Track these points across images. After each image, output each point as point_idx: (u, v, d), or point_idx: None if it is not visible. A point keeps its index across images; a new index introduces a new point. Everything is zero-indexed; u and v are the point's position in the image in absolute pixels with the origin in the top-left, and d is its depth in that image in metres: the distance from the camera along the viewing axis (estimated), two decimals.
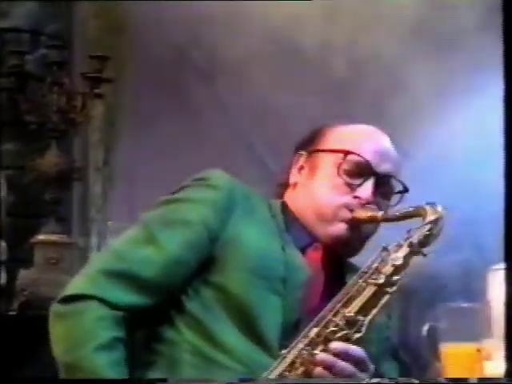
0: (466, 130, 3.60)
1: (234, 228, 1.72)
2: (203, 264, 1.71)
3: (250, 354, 1.61)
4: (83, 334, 1.63)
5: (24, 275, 3.36)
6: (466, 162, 3.55)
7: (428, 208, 1.68)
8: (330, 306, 1.63)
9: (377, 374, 1.81)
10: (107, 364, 1.61)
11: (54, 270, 3.33)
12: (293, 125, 3.59)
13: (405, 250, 1.66)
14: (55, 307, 1.69)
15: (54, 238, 3.47)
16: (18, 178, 3.68)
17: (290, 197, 1.84)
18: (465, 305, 1.92)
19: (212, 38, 4.12)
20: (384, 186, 1.79)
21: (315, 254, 1.77)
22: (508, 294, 1.57)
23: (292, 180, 1.85)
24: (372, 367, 1.64)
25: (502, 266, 1.92)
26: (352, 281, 1.66)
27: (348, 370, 1.59)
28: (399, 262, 1.65)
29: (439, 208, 1.68)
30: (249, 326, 1.66)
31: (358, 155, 1.78)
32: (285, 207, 1.82)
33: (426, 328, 1.98)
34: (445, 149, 3.62)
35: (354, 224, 1.75)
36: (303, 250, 1.77)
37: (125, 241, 1.74)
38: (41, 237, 3.46)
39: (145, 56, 4.05)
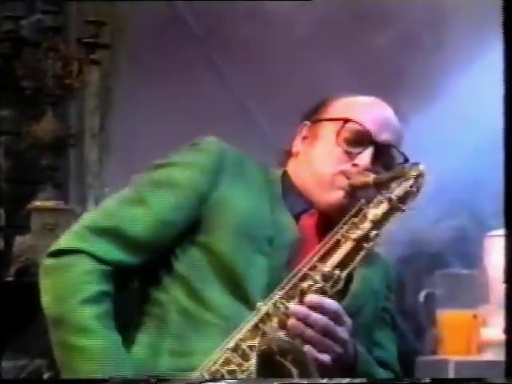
0: (464, 96, 3.58)
1: (222, 190, 1.74)
2: (191, 225, 1.73)
3: (236, 312, 1.63)
4: (70, 288, 1.66)
5: (20, 241, 3.36)
6: (464, 129, 3.54)
7: (410, 166, 1.70)
8: (307, 259, 1.64)
9: (369, 343, 1.82)
10: (93, 316, 1.63)
11: (51, 237, 3.32)
12: (296, 94, 3.59)
13: (384, 206, 1.67)
14: (44, 261, 1.72)
15: (50, 204, 3.47)
16: (14, 144, 3.67)
17: (291, 165, 1.87)
18: (461, 271, 1.93)
19: (211, 6, 4.09)
20: (384, 155, 1.80)
21: (310, 220, 1.79)
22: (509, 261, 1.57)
23: (294, 149, 1.87)
24: (349, 321, 1.64)
25: (499, 232, 1.92)
26: (330, 235, 1.67)
27: (321, 322, 1.59)
28: (378, 217, 1.66)
29: (421, 166, 1.69)
30: (235, 284, 1.68)
31: (357, 123, 1.79)
32: (285, 175, 1.85)
33: (422, 295, 1.99)
34: (442, 114, 3.61)
35: (351, 191, 1.76)
36: (299, 216, 1.78)
37: (114, 201, 1.78)
38: (37, 203, 3.46)
39: (142, 22, 4.03)
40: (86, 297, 1.64)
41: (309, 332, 1.58)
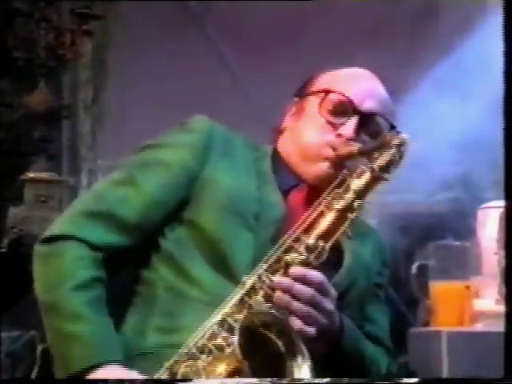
0: (461, 65, 3.57)
1: (210, 169, 1.75)
2: (180, 204, 1.73)
3: (221, 288, 1.63)
4: (62, 274, 1.66)
5: (14, 213, 3.36)
6: (461, 101, 3.53)
7: (392, 135, 1.69)
8: (291, 232, 1.64)
9: (361, 318, 1.82)
10: (85, 302, 1.63)
11: (44, 208, 3.33)
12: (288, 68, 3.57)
13: (367, 176, 1.67)
14: (37, 247, 1.72)
15: (44, 175, 3.46)
16: (7, 115, 3.66)
17: (280, 142, 1.87)
18: (454, 243, 1.93)
19: None
20: (370, 124, 1.80)
21: (299, 195, 1.78)
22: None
23: (283, 125, 1.87)
24: (334, 293, 1.64)
25: (493, 204, 1.92)
26: (313, 206, 1.67)
27: (306, 293, 1.59)
28: (360, 187, 1.66)
29: (403, 134, 1.69)
30: (221, 261, 1.68)
31: (339, 93, 1.79)
32: (275, 152, 1.85)
33: (415, 266, 1.99)
34: (438, 85, 3.60)
35: (337, 162, 1.75)
36: (288, 191, 1.78)
37: (104, 183, 1.78)
38: (31, 174, 3.45)
39: None
40: (77, 283, 1.64)
41: (294, 304, 1.58)
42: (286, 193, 1.79)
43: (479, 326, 1.82)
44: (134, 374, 1.58)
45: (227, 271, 1.66)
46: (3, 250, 3.25)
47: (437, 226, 3.43)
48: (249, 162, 1.80)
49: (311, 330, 1.59)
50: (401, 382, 1.62)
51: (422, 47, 3.69)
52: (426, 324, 1.99)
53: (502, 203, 1.87)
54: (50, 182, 3.45)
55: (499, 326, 1.70)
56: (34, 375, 2.43)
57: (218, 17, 4.11)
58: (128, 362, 1.61)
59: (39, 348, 2.47)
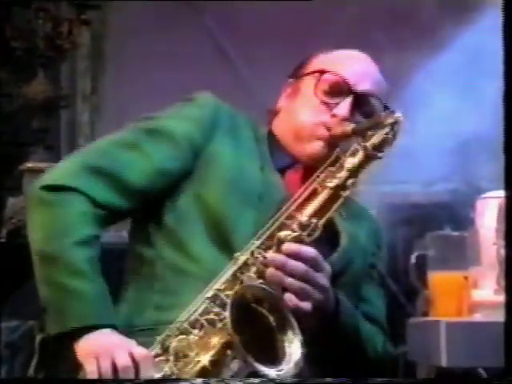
0: (460, 55, 3.57)
1: (215, 145, 1.76)
2: (184, 177, 1.72)
3: (220, 265, 1.64)
4: (65, 226, 1.65)
5: (13, 203, 3.35)
6: (458, 91, 3.53)
7: (386, 114, 1.69)
8: (284, 209, 1.64)
9: (356, 298, 1.82)
10: (85, 259, 1.63)
11: None
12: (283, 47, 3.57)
13: (360, 155, 1.67)
14: (38, 193, 1.70)
15: (42, 165, 3.45)
16: (6, 105, 3.65)
17: (275, 122, 1.88)
18: (453, 233, 1.93)
19: None
20: (364, 105, 1.81)
21: (294, 175, 1.80)
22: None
23: (278, 106, 1.88)
24: (328, 268, 1.65)
25: (492, 194, 1.92)
26: (307, 184, 1.67)
27: (299, 269, 1.60)
28: (354, 165, 1.66)
29: (397, 113, 1.69)
30: (222, 236, 1.69)
31: (334, 74, 1.80)
32: (270, 132, 1.86)
33: (414, 256, 1.99)
34: (436, 74, 3.60)
35: (331, 141, 1.76)
36: (284, 172, 1.79)
37: (108, 141, 1.77)
38: (29, 164, 3.45)
39: None
40: (80, 238, 1.64)
41: (288, 280, 1.59)
42: (281, 173, 1.80)
43: (478, 316, 1.81)
44: (133, 344, 1.58)
45: (227, 248, 1.67)
46: (2, 241, 3.25)
47: (435, 217, 3.43)
48: (251, 141, 1.81)
49: (307, 305, 1.60)
50: (401, 380, 1.62)
51: (422, 38, 3.68)
52: (425, 314, 1.98)
53: (501, 193, 1.87)
54: None
55: (498, 316, 1.70)
56: (32, 365, 2.43)
57: (217, 6, 4.10)
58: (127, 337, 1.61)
59: (38, 338, 2.46)
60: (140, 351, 1.55)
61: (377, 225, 1.95)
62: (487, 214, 1.89)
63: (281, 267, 1.60)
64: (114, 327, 1.61)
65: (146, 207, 1.75)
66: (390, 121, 1.68)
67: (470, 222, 1.97)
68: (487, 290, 1.84)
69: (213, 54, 4.12)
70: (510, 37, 1.58)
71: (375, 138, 1.67)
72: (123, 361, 1.53)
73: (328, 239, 1.74)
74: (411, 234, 3.38)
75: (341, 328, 1.69)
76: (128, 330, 1.64)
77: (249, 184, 1.73)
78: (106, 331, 1.59)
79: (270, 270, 1.60)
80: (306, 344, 1.57)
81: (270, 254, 1.61)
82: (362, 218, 1.88)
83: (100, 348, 1.55)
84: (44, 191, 1.69)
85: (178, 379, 1.54)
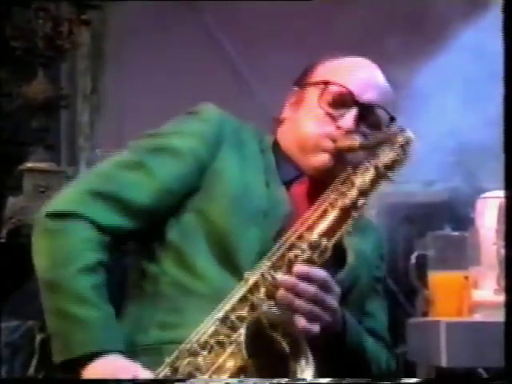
0: (462, 55, 3.57)
1: (220, 160, 1.73)
2: (189, 194, 1.71)
3: (225, 283, 1.62)
4: (69, 254, 1.64)
5: (12, 203, 3.35)
6: (461, 91, 3.53)
7: (397, 132, 1.68)
8: (294, 229, 1.63)
9: (361, 313, 1.81)
10: (90, 286, 1.61)
11: (43, 198, 3.32)
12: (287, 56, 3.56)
13: (371, 174, 1.66)
14: (42, 221, 1.69)
15: (42, 165, 3.45)
16: (6, 105, 3.65)
17: (280, 132, 1.86)
18: (453, 233, 1.92)
19: None
20: (370, 115, 1.78)
21: (300, 188, 1.78)
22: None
23: (283, 115, 1.86)
24: (338, 289, 1.63)
25: (492, 194, 1.92)
26: (317, 203, 1.66)
27: (310, 291, 1.58)
28: (365, 185, 1.65)
29: (408, 133, 1.68)
30: (226, 254, 1.67)
31: (338, 85, 1.78)
32: (275, 143, 1.84)
33: (414, 256, 1.99)
34: (438, 75, 3.59)
35: (337, 154, 1.74)
36: (290, 184, 1.77)
37: (111, 164, 1.75)
38: (29, 164, 3.45)
39: None
40: (85, 265, 1.62)
41: (298, 302, 1.57)
42: (287, 185, 1.78)
43: (478, 317, 1.81)
44: (135, 366, 1.57)
45: (232, 266, 1.65)
46: (2, 241, 3.24)
47: (435, 216, 3.43)
48: (256, 154, 1.79)
49: (315, 328, 1.58)
50: (402, 381, 1.62)
51: (422, 38, 3.68)
52: (425, 314, 1.98)
53: (501, 193, 1.87)
54: (48, 172, 3.44)
55: (498, 317, 1.70)
56: (32, 365, 2.43)
57: (217, 6, 4.09)
58: (130, 356, 1.60)
59: (38, 338, 2.46)
60: (144, 375, 1.54)
61: (379, 235, 1.93)
62: (487, 213, 1.88)
63: (291, 289, 1.58)
64: (120, 352, 1.59)
65: (152, 225, 1.73)
66: (401, 140, 1.66)
67: (470, 222, 1.97)
68: (487, 290, 1.84)
69: (212, 53, 4.12)
70: (510, 37, 1.57)
71: (387, 159, 1.66)
72: None
73: (334, 256, 1.73)
74: (411, 233, 3.38)
75: (347, 347, 1.68)
76: (131, 349, 1.63)
77: (254, 201, 1.70)
78: (112, 357, 1.57)
79: (281, 292, 1.58)
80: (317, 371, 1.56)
81: (281, 276, 1.59)
82: (366, 231, 1.87)
83: (105, 375, 1.54)
84: (48, 219, 1.68)
85: (179, 379, 1.53)
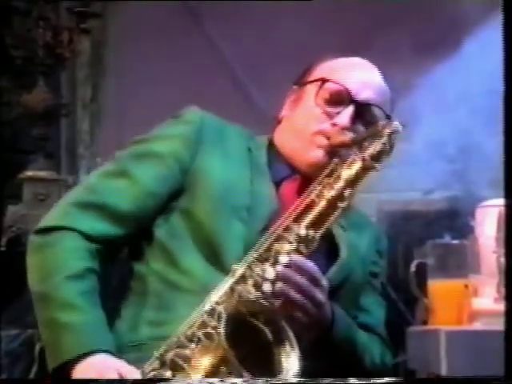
0: (460, 62, 3.57)
1: (202, 159, 1.76)
2: (174, 195, 1.73)
3: (212, 279, 1.65)
4: (56, 264, 1.68)
5: (12, 211, 3.36)
6: (457, 99, 3.53)
7: (384, 124, 1.69)
8: (281, 221, 1.64)
9: (355, 308, 1.82)
10: (78, 293, 1.64)
11: (43, 207, 3.32)
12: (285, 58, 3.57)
13: (357, 165, 1.67)
14: (31, 238, 1.74)
15: (42, 174, 3.46)
16: (6, 113, 3.66)
17: (277, 131, 1.87)
18: (453, 241, 1.93)
19: None
20: (366, 114, 1.80)
21: (291, 185, 1.79)
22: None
23: (281, 114, 1.87)
24: (325, 284, 1.64)
25: (492, 202, 1.92)
26: (304, 195, 1.67)
27: (303, 284, 1.61)
28: (351, 176, 1.66)
29: (395, 123, 1.69)
30: (212, 251, 1.69)
31: (335, 82, 1.79)
32: (271, 142, 1.85)
33: (414, 265, 1.99)
34: (433, 83, 3.60)
35: (331, 150, 1.75)
36: (281, 182, 1.79)
37: (96, 175, 1.80)
38: (29, 173, 3.46)
39: None
40: (71, 273, 1.66)
41: (293, 294, 1.59)
42: (278, 184, 1.79)
43: (478, 325, 1.81)
44: (123, 364, 1.58)
45: (218, 262, 1.67)
46: (1, 249, 3.24)
47: (435, 225, 3.43)
48: (242, 152, 1.81)
49: (303, 319, 1.59)
50: (374, 381, 1.63)
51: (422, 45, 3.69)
52: (425, 323, 1.98)
53: (500, 201, 1.87)
54: (48, 181, 3.45)
55: (498, 325, 1.70)
56: (32, 374, 2.43)
57: (217, 13, 4.10)
58: (121, 354, 1.63)
59: (38, 346, 2.46)
60: (131, 371, 1.55)
61: (378, 232, 1.94)
62: (487, 222, 1.89)
63: (288, 281, 1.59)
64: (107, 352, 1.60)
65: (141, 228, 1.75)
66: (387, 131, 1.67)
67: (470, 230, 1.97)
68: (487, 299, 1.84)
69: (212, 61, 4.13)
70: (510, 37, 1.58)
71: (373, 149, 1.67)
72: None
73: (328, 251, 1.74)
74: (411, 242, 3.38)
75: (335, 341, 1.69)
76: (122, 346, 1.65)
77: (236, 197, 1.73)
78: (99, 356, 1.59)
79: (279, 285, 1.59)
80: (302, 357, 1.56)
81: (280, 268, 1.60)
82: (362, 227, 1.88)
83: (92, 374, 1.55)
84: (36, 235, 1.73)
85: (168, 379, 1.54)
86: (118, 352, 1.64)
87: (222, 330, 1.49)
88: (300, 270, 1.60)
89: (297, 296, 1.59)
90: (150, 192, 1.74)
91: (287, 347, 1.55)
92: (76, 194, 1.77)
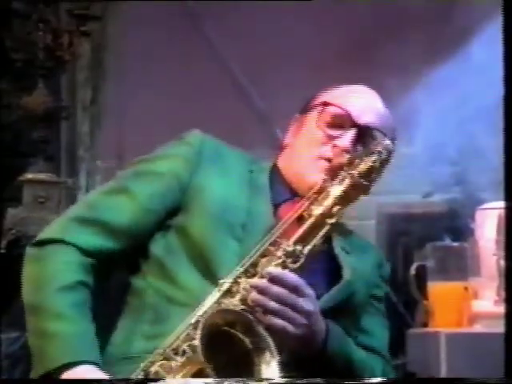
0: (459, 65, 3.57)
1: (201, 178, 1.79)
2: (171, 212, 1.77)
3: (207, 293, 1.64)
4: (48, 276, 1.69)
5: (12, 214, 3.35)
6: (455, 101, 3.54)
7: (375, 142, 1.72)
8: (269, 235, 1.65)
9: (355, 329, 1.81)
10: (69, 304, 1.65)
11: (43, 209, 3.33)
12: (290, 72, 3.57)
13: (346, 182, 1.68)
14: (27, 250, 1.76)
15: (42, 176, 3.46)
16: (6, 116, 3.66)
17: (281, 158, 1.89)
18: (453, 244, 1.93)
19: None
20: (367, 138, 1.81)
21: (291, 207, 1.79)
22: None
23: (285, 142, 1.90)
24: (311, 293, 1.64)
25: (491, 205, 1.92)
26: (293, 211, 1.68)
27: (281, 293, 1.59)
28: (340, 193, 1.67)
29: (386, 141, 1.69)
30: (206, 267, 1.71)
31: (336, 106, 1.80)
32: (274, 167, 1.87)
33: (414, 267, 1.99)
34: (431, 86, 3.60)
35: (331, 173, 1.76)
36: (281, 204, 1.80)
37: (97, 192, 1.84)
38: (29, 175, 3.46)
39: None
40: (63, 285, 1.67)
41: (270, 304, 1.59)
42: (278, 205, 1.81)
43: (478, 327, 1.82)
44: (106, 377, 1.59)
45: (213, 277, 1.68)
46: (1, 252, 3.24)
47: (435, 227, 3.43)
48: (242, 173, 1.83)
49: (289, 328, 1.59)
50: (366, 381, 1.62)
51: (421, 47, 3.69)
52: (425, 325, 1.99)
53: (500, 204, 1.87)
54: (48, 183, 3.45)
55: (498, 327, 1.70)
56: (32, 377, 2.42)
57: (217, 15, 4.10)
58: (114, 366, 1.64)
59: None
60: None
61: (381, 257, 1.94)
62: (487, 224, 1.89)
63: (263, 292, 1.60)
64: (93, 363, 1.61)
65: (137, 244, 1.78)
66: (377, 148, 1.68)
67: (470, 233, 1.97)
68: (487, 301, 1.84)
69: (213, 65, 4.13)
70: (510, 37, 1.58)
71: (362, 166, 1.68)
72: None
73: (331, 273, 1.75)
74: (411, 244, 3.39)
75: (331, 354, 1.69)
76: (116, 359, 1.65)
77: (232, 214, 1.75)
78: (86, 368, 1.60)
79: (253, 294, 1.60)
80: (291, 368, 1.56)
81: (253, 280, 1.61)
82: (365, 252, 1.88)
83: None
84: (32, 248, 1.75)
85: (155, 379, 1.55)
86: (112, 364, 1.65)
87: (197, 342, 1.50)
88: (278, 280, 1.61)
89: (275, 306, 1.59)
90: (148, 209, 1.77)
91: (267, 355, 1.55)
92: (75, 210, 1.80)
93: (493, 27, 3.07)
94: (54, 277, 1.68)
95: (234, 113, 3.59)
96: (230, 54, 4.12)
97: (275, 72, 3.78)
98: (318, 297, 1.69)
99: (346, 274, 1.78)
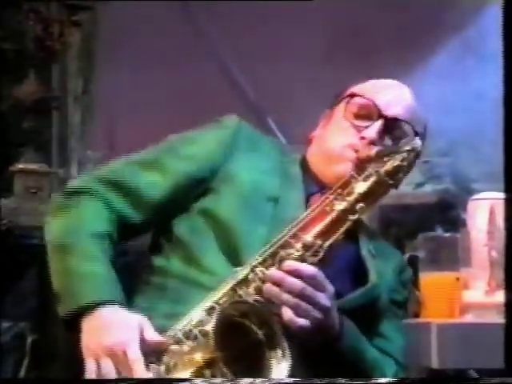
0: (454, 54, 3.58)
1: (234, 162, 1.79)
2: (200, 194, 1.77)
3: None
4: (81, 222, 1.70)
5: (3, 204, 3.35)
6: (449, 89, 3.54)
7: (405, 141, 1.72)
8: (289, 227, 1.64)
9: (373, 332, 1.80)
10: (100, 250, 1.67)
11: (34, 199, 3.32)
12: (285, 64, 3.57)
13: (372, 180, 1.67)
14: (57, 199, 1.77)
15: (33, 166, 3.46)
16: None
17: (309, 150, 1.89)
18: (444, 234, 1.93)
19: None
20: (394, 129, 1.81)
21: (319, 199, 1.78)
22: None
23: (313, 134, 1.90)
24: (331, 288, 1.63)
25: (483, 195, 1.93)
26: (315, 205, 1.68)
27: (297, 285, 1.58)
28: (364, 190, 1.66)
29: (415, 141, 1.69)
30: (233, 251, 1.70)
31: (364, 97, 1.81)
32: (303, 159, 1.87)
33: (405, 257, 1.99)
34: (427, 73, 3.61)
35: (358, 164, 1.76)
36: (311, 197, 1.80)
37: (129, 160, 1.81)
38: (20, 166, 3.45)
39: None
40: (95, 231, 1.68)
41: (284, 296, 1.57)
42: (309, 197, 1.80)
43: (469, 318, 1.82)
44: (136, 316, 1.58)
45: (238, 262, 1.67)
46: None
47: (426, 218, 3.44)
48: (274, 161, 1.84)
49: (302, 322, 1.58)
50: (375, 381, 1.62)
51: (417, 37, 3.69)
52: (416, 315, 1.99)
53: (491, 195, 1.88)
54: (39, 174, 3.45)
55: (489, 318, 1.71)
56: (24, 366, 2.43)
57: (208, 7, 4.10)
58: None
59: (29, 339, 2.46)
60: (153, 337, 1.55)
61: (403, 262, 1.94)
62: (478, 215, 1.89)
63: (278, 283, 1.59)
64: (122, 304, 1.61)
65: (161, 220, 1.78)
66: (406, 148, 1.68)
67: (461, 223, 1.97)
68: (478, 291, 1.84)
69: (202, 52, 4.12)
70: (510, 37, 1.58)
71: (389, 165, 1.68)
72: (134, 354, 1.53)
73: (357, 274, 1.75)
74: (402, 235, 3.39)
75: (344, 351, 1.67)
76: None
77: (262, 201, 1.74)
78: (113, 307, 1.60)
79: (267, 286, 1.59)
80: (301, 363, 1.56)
81: (269, 271, 1.60)
82: (388, 256, 1.88)
83: (108, 323, 1.56)
84: (62, 197, 1.76)
85: (179, 379, 1.54)
86: None
87: (211, 330, 1.49)
88: (293, 272, 1.60)
89: (288, 298, 1.58)
90: (179, 187, 1.77)
91: (279, 352, 1.54)
92: (103, 172, 1.79)
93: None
94: (87, 223, 1.69)
95: (225, 102, 3.59)
96: (221, 44, 4.12)
97: (273, 68, 3.78)
98: (340, 295, 1.68)
99: (373, 277, 1.77)
